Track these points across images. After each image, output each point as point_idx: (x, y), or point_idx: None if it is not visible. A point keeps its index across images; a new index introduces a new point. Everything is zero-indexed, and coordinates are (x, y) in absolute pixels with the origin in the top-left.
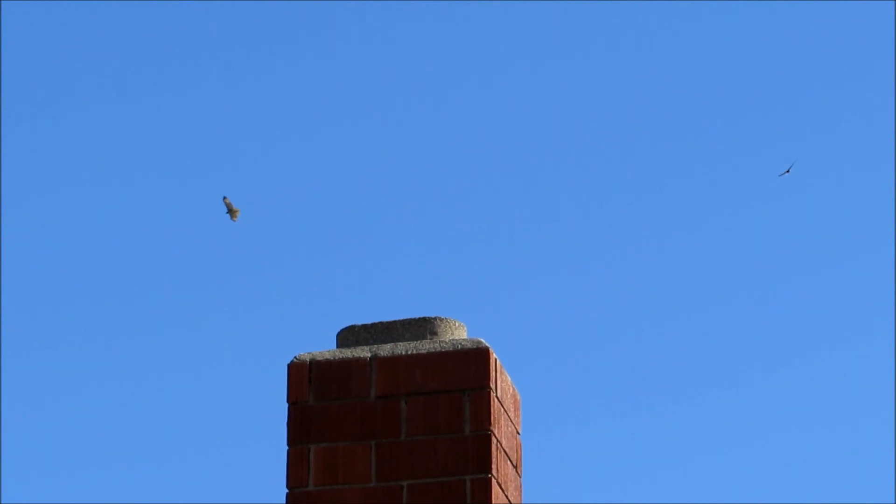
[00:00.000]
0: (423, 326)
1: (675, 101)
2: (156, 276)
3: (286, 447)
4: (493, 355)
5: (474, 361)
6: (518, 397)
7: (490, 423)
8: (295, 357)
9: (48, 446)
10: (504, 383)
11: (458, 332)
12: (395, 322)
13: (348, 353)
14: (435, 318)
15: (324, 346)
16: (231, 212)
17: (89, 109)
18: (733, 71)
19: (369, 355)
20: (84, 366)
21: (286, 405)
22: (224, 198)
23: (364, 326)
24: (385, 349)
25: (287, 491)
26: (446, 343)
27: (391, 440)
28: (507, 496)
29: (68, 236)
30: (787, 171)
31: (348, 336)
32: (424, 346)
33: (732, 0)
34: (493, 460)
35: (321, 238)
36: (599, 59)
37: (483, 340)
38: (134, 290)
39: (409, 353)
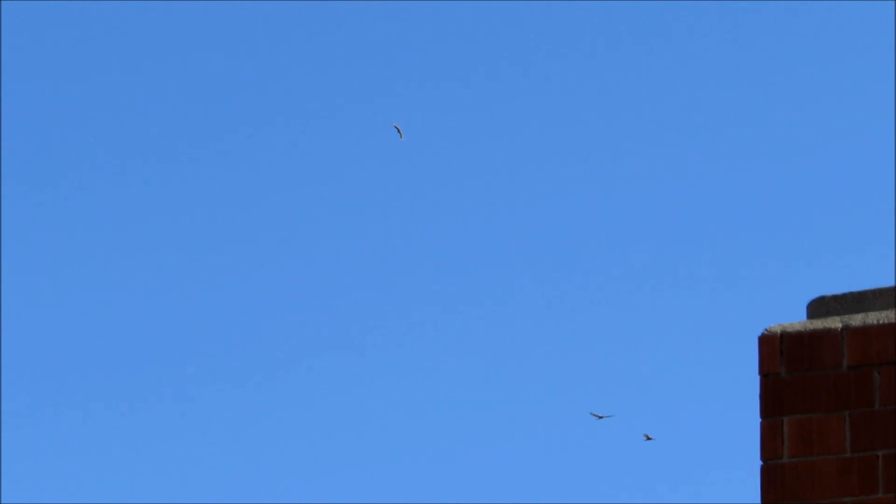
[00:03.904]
0: (893, 295)
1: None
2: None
3: (759, 419)
4: None
5: None
6: None
7: None
8: (766, 329)
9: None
10: None
11: None
12: (866, 292)
13: (819, 323)
14: None
15: (794, 317)
16: (398, 131)
17: (90, 109)
18: (733, 71)
19: (840, 326)
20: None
21: (758, 377)
22: (393, 124)
23: (835, 297)
24: (856, 319)
25: (762, 463)
26: None
27: (865, 410)
28: None
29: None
30: (602, 417)
31: (819, 307)
32: None
33: (733, 0)
34: None
35: (787, 210)
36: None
37: None
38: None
39: (881, 322)
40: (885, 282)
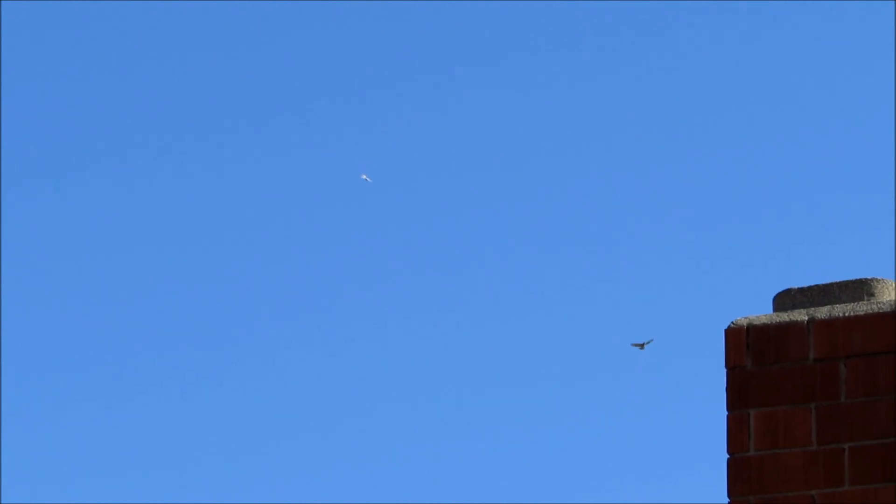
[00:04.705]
0: (860, 288)
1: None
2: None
3: (725, 412)
4: None
5: None
6: None
7: None
8: (732, 322)
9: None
10: None
11: None
12: (831, 284)
13: (785, 316)
14: (872, 280)
15: (760, 310)
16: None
17: (89, 109)
18: (732, 70)
19: (806, 318)
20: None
21: (724, 370)
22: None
23: (801, 289)
24: (822, 312)
25: (728, 456)
26: (884, 304)
27: (831, 403)
28: None
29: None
30: (644, 345)
31: (785, 299)
32: (862, 308)
33: (733, 0)
34: None
35: (756, 201)
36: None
37: None
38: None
39: (847, 315)
40: (850, 274)
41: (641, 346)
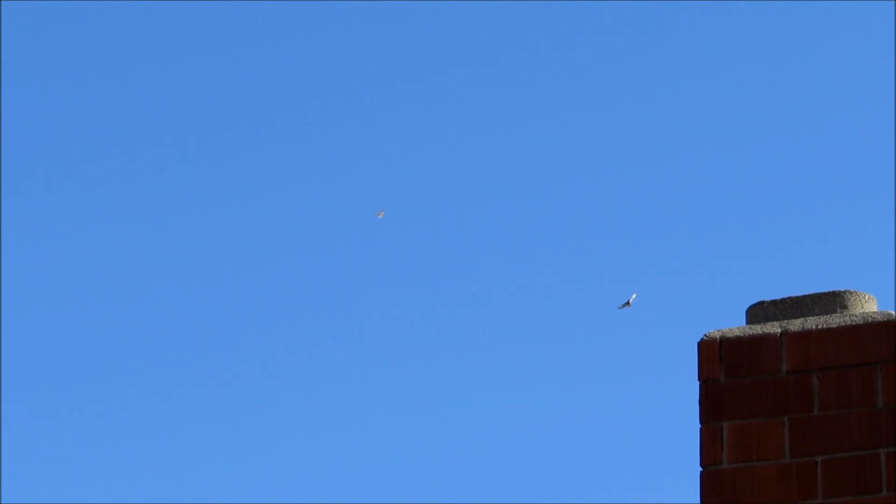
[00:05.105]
0: (832, 300)
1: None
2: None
3: (698, 425)
4: None
5: (885, 334)
6: None
7: None
8: (705, 334)
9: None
10: None
11: (869, 305)
12: (804, 297)
13: (758, 328)
14: (844, 292)
15: (733, 322)
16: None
17: (89, 109)
18: (732, 70)
19: (779, 331)
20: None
21: (697, 383)
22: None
23: (773, 302)
24: (795, 324)
25: (701, 469)
26: (857, 316)
27: (804, 415)
28: None
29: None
30: (627, 304)
31: (758, 312)
32: (835, 320)
33: (733, 0)
34: None
35: (734, 218)
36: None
37: (893, 312)
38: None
39: (820, 327)
40: (824, 286)
41: (627, 303)
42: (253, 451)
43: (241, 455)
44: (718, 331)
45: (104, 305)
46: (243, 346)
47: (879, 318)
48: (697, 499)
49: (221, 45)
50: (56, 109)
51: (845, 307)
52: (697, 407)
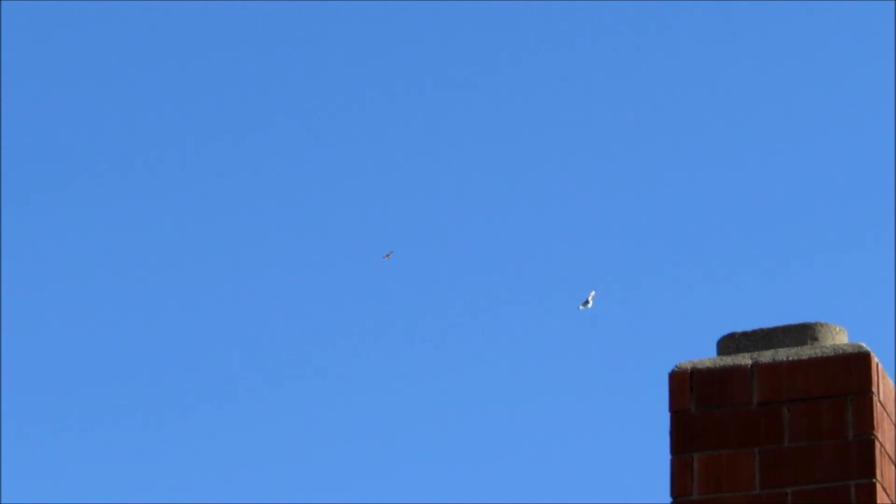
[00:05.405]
0: (803, 332)
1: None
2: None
3: (669, 456)
4: (875, 359)
5: (856, 366)
6: None
7: (874, 428)
8: (676, 366)
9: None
10: (886, 387)
11: (839, 337)
12: (775, 329)
13: (729, 360)
14: (815, 324)
15: (704, 353)
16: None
17: (89, 109)
18: (731, 70)
19: (750, 362)
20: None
21: (668, 414)
22: None
23: (744, 333)
24: (766, 356)
25: (672, 500)
26: (827, 348)
27: (774, 447)
28: (892, 501)
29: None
30: (587, 303)
31: (729, 343)
32: (805, 352)
33: (733, 0)
34: (878, 465)
35: (705, 248)
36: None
37: (864, 345)
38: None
39: (791, 359)
40: (794, 318)
41: (587, 302)
42: (253, 451)
43: (240, 455)
44: (689, 362)
45: (104, 305)
46: (243, 346)
47: (850, 350)
48: None
49: (221, 46)
50: (56, 110)
51: (816, 339)
52: (668, 438)
